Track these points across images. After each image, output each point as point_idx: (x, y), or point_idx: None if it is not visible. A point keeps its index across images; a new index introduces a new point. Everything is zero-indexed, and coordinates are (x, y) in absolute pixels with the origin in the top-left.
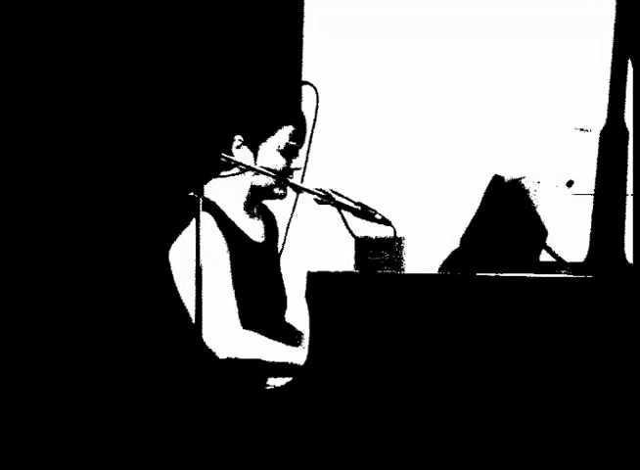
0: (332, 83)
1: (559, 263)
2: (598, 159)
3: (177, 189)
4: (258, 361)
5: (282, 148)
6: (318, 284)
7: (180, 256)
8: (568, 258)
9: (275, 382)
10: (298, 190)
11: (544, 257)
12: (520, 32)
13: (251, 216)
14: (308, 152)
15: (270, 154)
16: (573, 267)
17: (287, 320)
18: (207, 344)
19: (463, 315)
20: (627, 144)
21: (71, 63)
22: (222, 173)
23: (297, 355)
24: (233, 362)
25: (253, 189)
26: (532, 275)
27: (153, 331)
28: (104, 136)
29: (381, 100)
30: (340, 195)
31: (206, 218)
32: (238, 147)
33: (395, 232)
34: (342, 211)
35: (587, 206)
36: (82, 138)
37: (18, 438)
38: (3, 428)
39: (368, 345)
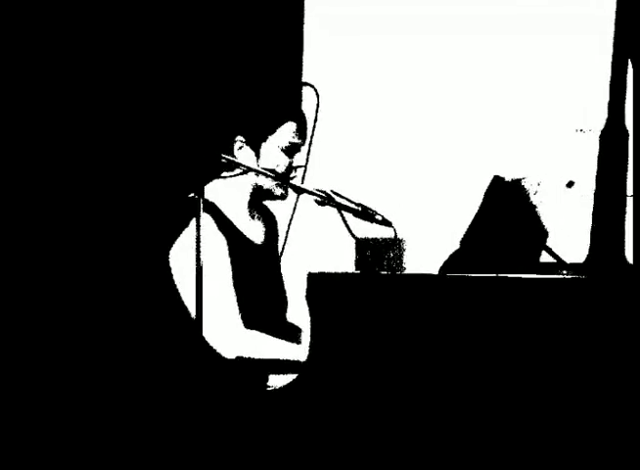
0: (332, 83)
1: (559, 264)
2: (598, 159)
3: (178, 190)
4: (264, 360)
5: (284, 146)
6: (319, 285)
7: (180, 257)
8: (568, 259)
9: (280, 380)
10: (299, 191)
11: (544, 257)
12: (520, 32)
13: (251, 217)
14: (309, 152)
15: (273, 153)
16: (574, 268)
17: (287, 321)
18: (212, 344)
19: (463, 316)
20: (627, 145)
21: (73, 64)
22: (223, 174)
23: (302, 353)
24: (238, 361)
25: (255, 190)
26: (533, 276)
27: (153, 332)
28: (105, 137)
29: (381, 100)
30: (340, 196)
31: (206, 220)
32: (240, 148)
33: (396, 233)
34: (343, 212)
35: (587, 206)
36: (83, 139)
37: (18, 438)
38: (3, 428)
39: (368, 346)
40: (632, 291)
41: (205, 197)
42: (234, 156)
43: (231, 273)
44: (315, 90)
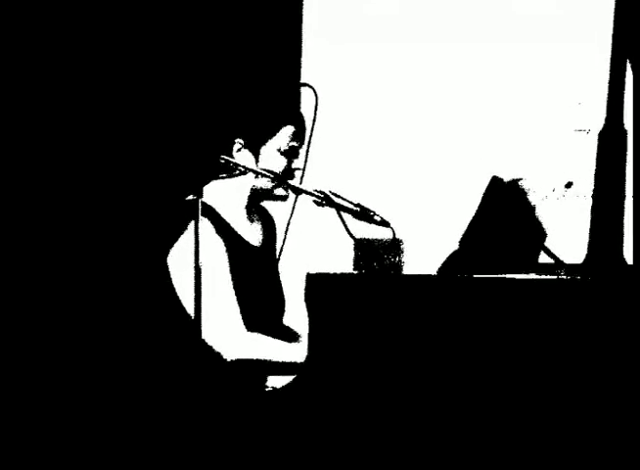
0: (331, 86)
1: (557, 265)
2: (596, 160)
3: (176, 193)
4: (263, 361)
5: (283, 149)
6: (317, 286)
7: (178, 260)
8: (566, 260)
9: (279, 381)
10: (297, 192)
11: (543, 258)
12: (519, 33)
13: (250, 219)
14: (307, 153)
15: (272, 155)
16: (572, 269)
17: (285, 323)
18: (213, 346)
19: (462, 317)
20: (626, 145)
21: (72, 65)
22: (222, 176)
23: (301, 354)
24: (238, 362)
25: (254, 191)
26: (531, 277)
27: (152, 335)
28: (104, 139)
29: (380, 102)
30: (338, 197)
31: (204, 222)
32: (239, 150)
33: (394, 234)
34: (341, 212)
35: (586, 207)
36: (82, 140)
37: (17, 437)
38: (3, 428)
39: (367, 346)
40: (631, 291)
41: (204, 199)
42: (233, 158)
43: (230, 275)
44: (314, 90)
